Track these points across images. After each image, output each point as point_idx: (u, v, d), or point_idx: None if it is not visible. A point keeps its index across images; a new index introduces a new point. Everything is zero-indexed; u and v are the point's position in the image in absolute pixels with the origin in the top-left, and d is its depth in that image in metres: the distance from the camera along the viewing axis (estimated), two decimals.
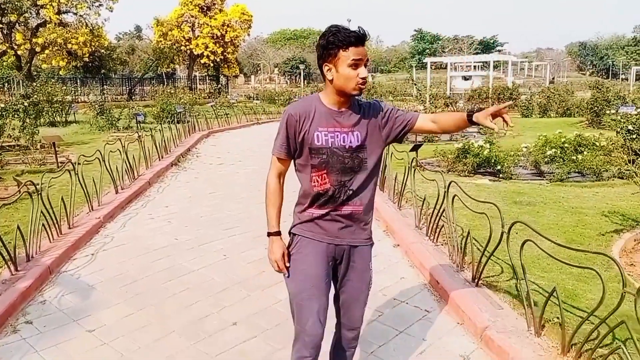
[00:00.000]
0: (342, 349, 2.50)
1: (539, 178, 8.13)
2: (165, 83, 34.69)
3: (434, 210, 4.72)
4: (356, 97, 2.24)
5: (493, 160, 8.14)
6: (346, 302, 2.40)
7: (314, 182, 2.24)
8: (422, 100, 29.24)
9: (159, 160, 9.99)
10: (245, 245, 5.05)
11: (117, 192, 7.10)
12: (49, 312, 3.69)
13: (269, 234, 2.33)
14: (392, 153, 6.57)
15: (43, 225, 4.85)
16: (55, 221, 5.12)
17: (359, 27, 2.13)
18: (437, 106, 18.62)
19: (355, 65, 2.11)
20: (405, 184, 5.72)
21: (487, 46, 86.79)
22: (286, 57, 73.84)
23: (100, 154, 6.79)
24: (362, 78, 2.13)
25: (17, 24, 27.84)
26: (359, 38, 2.10)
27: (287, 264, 2.30)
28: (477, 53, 70.80)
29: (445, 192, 4.38)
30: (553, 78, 50.79)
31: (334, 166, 2.22)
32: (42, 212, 4.81)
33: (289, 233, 2.37)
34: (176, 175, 9.12)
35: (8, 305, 3.57)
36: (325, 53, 2.14)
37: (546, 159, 8.57)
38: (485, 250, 3.74)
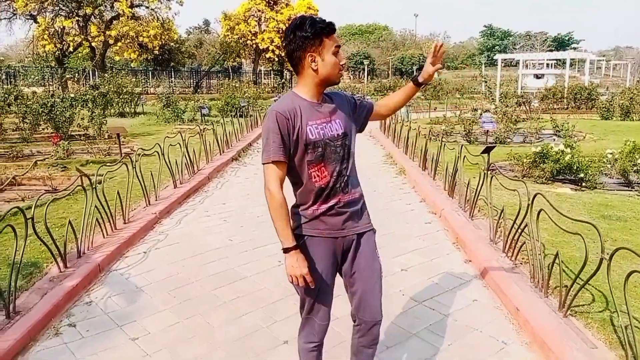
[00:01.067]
0: (365, 347, 2.47)
1: (627, 189, 7.30)
2: (231, 77, 35.13)
3: (513, 224, 4.19)
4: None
5: (575, 167, 7.39)
6: (362, 295, 2.37)
7: (314, 177, 2.23)
8: (492, 99, 28.06)
9: (220, 154, 9.89)
10: None
11: (175, 186, 6.98)
12: (94, 315, 3.50)
13: (287, 250, 2.20)
14: (464, 156, 6.02)
15: (97, 220, 4.73)
16: (110, 216, 5.00)
17: (324, 19, 2.19)
18: (508, 105, 17.62)
19: (337, 52, 2.19)
20: (479, 191, 5.18)
21: (561, 43, 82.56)
22: (350, 53, 73.34)
23: (160, 147, 6.67)
24: (342, 64, 2.22)
25: (92, 16, 29.01)
26: (332, 27, 2.18)
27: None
28: (550, 50, 67.44)
29: (529, 204, 3.85)
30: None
31: (330, 157, 2.23)
32: (96, 206, 4.69)
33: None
34: (236, 171, 8.95)
35: (52, 306, 3.41)
36: (309, 42, 2.15)
37: (636, 168, 7.71)
38: (578, 277, 3.21)
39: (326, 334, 2.44)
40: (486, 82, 22.38)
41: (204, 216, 5.97)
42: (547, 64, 57.10)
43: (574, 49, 75.70)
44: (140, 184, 5.88)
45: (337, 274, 2.41)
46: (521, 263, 4.17)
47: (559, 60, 64.04)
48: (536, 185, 7.03)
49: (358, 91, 32.12)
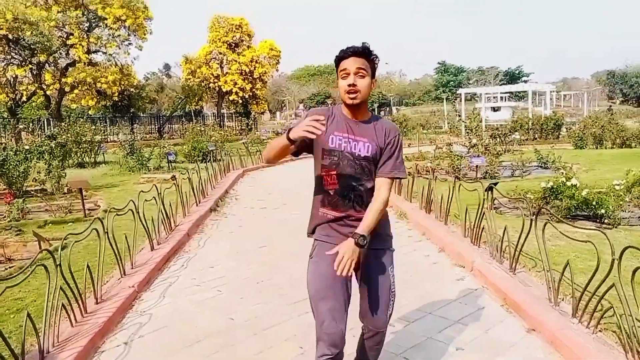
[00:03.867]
0: (370, 348, 2.68)
1: None
2: (194, 121, 34.17)
3: (587, 285, 3.44)
4: (376, 115, 2.57)
5: (594, 203, 6.81)
6: (367, 305, 2.57)
7: (325, 181, 2.51)
8: (456, 134, 28.07)
9: (196, 205, 8.92)
10: None
11: (152, 248, 5.98)
12: None
13: (287, 136, 2.33)
14: (483, 199, 5.31)
15: (63, 304, 3.73)
16: (78, 296, 3.99)
17: (348, 46, 2.44)
18: (482, 138, 17.29)
19: (344, 76, 2.41)
20: (523, 240, 4.42)
21: (512, 77, 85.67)
22: (311, 93, 73.81)
23: (134, 204, 5.69)
24: (348, 85, 2.38)
25: (46, 64, 27.77)
26: (344, 53, 2.41)
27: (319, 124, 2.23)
28: (502, 84, 69.65)
29: (614, 260, 3.11)
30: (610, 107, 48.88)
31: (344, 169, 2.46)
32: (61, 287, 3.69)
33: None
34: (217, 224, 8.00)
35: None
36: (336, 71, 2.46)
37: None
38: None
39: (340, 347, 2.42)
40: (460, 116, 22.19)
41: (192, 285, 5.00)
42: (501, 97, 58.76)
43: (525, 81, 78.60)
44: (114, 250, 4.88)
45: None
46: (602, 329, 3.40)
47: (512, 93, 66.14)
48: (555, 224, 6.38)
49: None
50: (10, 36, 25.24)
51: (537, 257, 4.81)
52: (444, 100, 53.75)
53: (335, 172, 2.48)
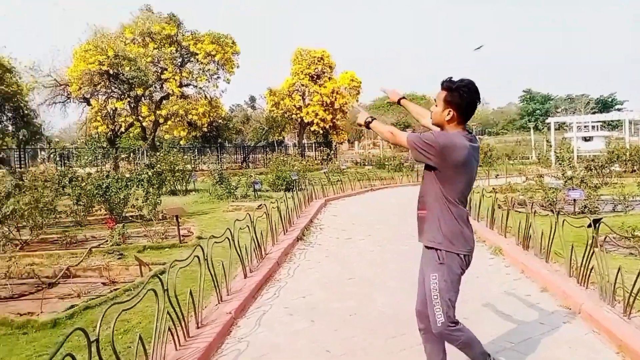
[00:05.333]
0: (434, 340, 3.14)
1: None
2: (276, 150, 35.19)
3: None
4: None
5: None
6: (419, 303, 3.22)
7: None
8: (547, 165, 26.72)
9: (284, 234, 9.06)
10: None
11: (245, 275, 6.12)
12: None
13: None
14: (594, 237, 4.96)
15: (169, 328, 3.87)
16: (182, 320, 4.13)
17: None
18: (576, 169, 16.34)
19: (436, 104, 3.03)
20: (638, 284, 4.06)
21: (604, 105, 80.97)
22: (390, 122, 73.68)
23: (231, 233, 5.87)
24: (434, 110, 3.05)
25: (143, 97, 29.85)
26: (443, 83, 3.00)
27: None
28: (594, 112, 65.98)
29: None
30: None
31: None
32: (168, 312, 3.84)
33: None
34: (304, 253, 8.06)
35: None
36: None
37: None
38: None
39: (422, 321, 3.15)
40: (551, 146, 21.19)
41: (285, 315, 5.03)
42: (593, 126, 55.52)
43: (619, 109, 74.04)
44: (212, 277, 5.04)
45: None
46: None
47: (605, 122, 62.31)
48: None
49: (405, 160, 31.45)
50: (111, 71, 27.47)
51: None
52: (531, 130, 51.71)
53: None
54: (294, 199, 11.27)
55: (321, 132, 38.36)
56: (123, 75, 27.55)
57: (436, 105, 2.97)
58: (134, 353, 3.44)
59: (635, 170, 22.04)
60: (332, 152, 34.48)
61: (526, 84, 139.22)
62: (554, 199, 11.02)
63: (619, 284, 4.42)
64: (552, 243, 6.21)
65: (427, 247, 3.03)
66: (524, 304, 5.07)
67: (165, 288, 3.87)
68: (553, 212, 10.63)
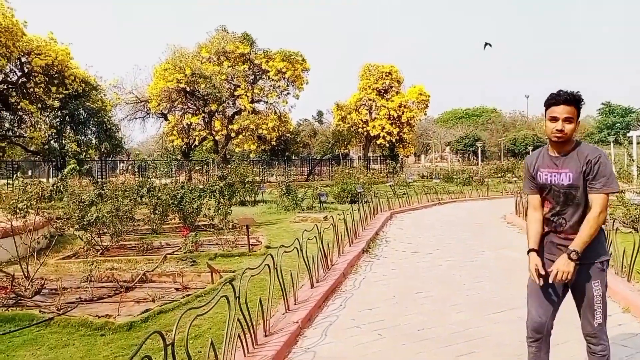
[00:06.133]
0: (587, 352, 3.12)
1: None
2: (341, 163, 35.37)
3: None
4: (579, 141, 3.03)
5: None
6: (579, 313, 3.11)
7: (545, 206, 3.16)
8: (628, 180, 25.06)
9: (349, 245, 9.07)
10: None
11: (312, 285, 6.19)
12: None
13: (529, 251, 3.12)
14: None
15: (238, 334, 3.97)
16: (252, 327, 4.24)
17: (560, 91, 2.96)
18: None
19: (552, 120, 2.95)
20: None
21: None
22: (458, 136, 72.06)
23: (299, 243, 5.97)
24: (557, 130, 2.92)
25: (216, 112, 31.05)
26: (556, 99, 2.93)
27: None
28: None
29: None
30: None
31: (552, 197, 3.09)
32: (238, 319, 3.95)
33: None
34: (370, 265, 8.03)
35: None
36: (545, 112, 3.04)
37: None
38: None
39: (541, 334, 3.14)
40: (633, 160, 19.93)
41: (351, 326, 5.03)
42: None
43: None
44: (281, 286, 5.13)
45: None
46: None
47: None
48: None
49: (475, 174, 30.59)
50: (188, 89, 28.81)
51: None
52: (611, 144, 48.87)
53: (547, 200, 3.12)
54: (359, 211, 11.27)
55: (387, 145, 38.20)
56: (199, 92, 28.84)
57: (570, 122, 2.91)
58: (205, 357, 3.57)
59: None
60: (398, 165, 34.18)
61: (604, 97, 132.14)
62: (637, 216, 10.34)
63: None
64: (634, 262, 5.84)
65: (582, 262, 2.98)
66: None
67: (237, 295, 3.99)
68: (636, 230, 9.99)
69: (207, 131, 31.02)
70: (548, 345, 3.21)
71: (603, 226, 3.05)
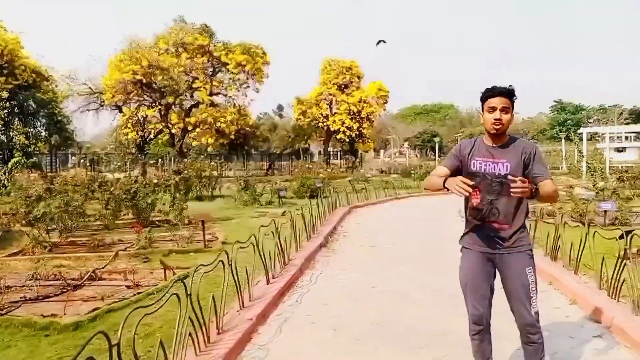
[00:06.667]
0: (523, 343, 3.19)
1: None
2: (302, 158, 35.36)
3: None
4: (513, 136, 3.16)
5: None
6: (511, 303, 3.16)
7: (471, 197, 3.04)
8: (577, 176, 26.05)
9: (307, 240, 9.04)
10: None
11: (268, 281, 6.11)
12: None
13: (443, 183, 3.04)
14: (629, 250, 4.78)
15: (190, 333, 3.87)
16: (203, 325, 4.14)
17: (494, 85, 3.06)
18: (608, 181, 15.90)
19: (490, 110, 3.04)
20: None
21: (638, 116, 78.74)
22: (417, 132, 73.22)
23: (255, 239, 5.88)
24: (495, 119, 3.01)
25: (173, 105, 30.40)
26: (492, 92, 3.03)
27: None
28: (627, 123, 64.30)
29: None
30: None
31: (485, 187, 3.08)
32: (190, 317, 3.84)
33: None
34: (327, 260, 8.02)
35: None
36: (481, 103, 3.11)
37: None
38: None
39: (482, 325, 3.21)
40: (583, 156, 20.71)
41: (307, 322, 4.99)
42: (627, 137, 54.04)
43: None
44: (235, 282, 5.04)
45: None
46: None
47: (639, 133, 60.56)
48: None
49: (432, 169, 31.14)
50: (144, 81, 28.06)
51: None
52: (562, 140, 50.67)
53: (477, 190, 3.05)
54: (318, 207, 11.26)
55: (347, 140, 38.40)
56: (155, 84, 28.15)
57: (506, 113, 3.01)
58: (154, 357, 3.46)
59: None
60: (358, 160, 34.41)
61: (557, 94, 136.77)
62: (584, 210, 10.74)
63: None
64: (581, 255, 6.03)
65: (513, 251, 3.08)
66: (553, 317, 4.91)
67: (189, 293, 3.88)
68: (583, 224, 10.36)
69: (164, 124, 30.34)
70: (490, 336, 3.28)
71: (527, 220, 3.19)
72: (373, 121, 40.18)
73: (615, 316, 4.49)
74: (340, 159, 41.59)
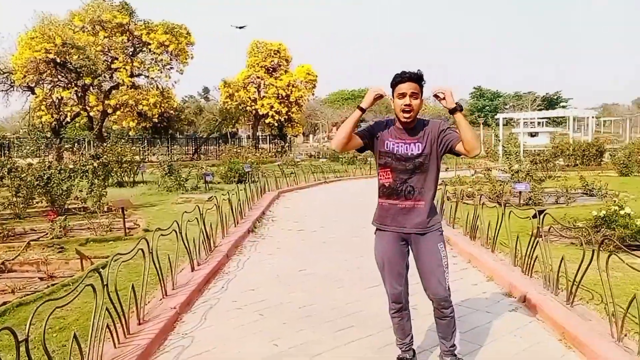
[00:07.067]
0: (436, 317, 3.30)
1: None
2: (230, 142, 34.73)
3: None
4: (422, 119, 3.22)
5: None
6: (424, 279, 3.24)
7: (381, 176, 3.23)
8: (494, 159, 27.51)
9: (235, 226, 8.90)
10: None
11: (193, 269, 5.95)
12: None
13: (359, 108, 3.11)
14: (549, 229, 5.07)
15: (107, 325, 3.68)
16: (122, 316, 3.95)
17: (403, 71, 3.07)
18: (523, 163, 16.87)
19: (400, 96, 3.07)
20: (583, 272, 4.15)
21: (550, 102, 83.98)
22: (345, 117, 74.09)
23: (178, 225, 5.68)
24: (405, 105, 3.05)
25: (91, 86, 28.74)
26: (401, 78, 3.05)
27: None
28: (540, 109, 68.38)
29: None
30: None
31: (396, 167, 3.16)
32: (107, 308, 3.65)
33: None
34: (255, 245, 7.94)
35: None
36: (391, 89, 3.12)
37: None
38: None
39: (401, 303, 3.30)
40: (500, 140, 21.80)
41: (233, 308, 4.91)
42: (539, 123, 57.51)
43: (564, 107, 76.92)
44: (157, 271, 4.85)
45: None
46: None
47: (550, 118, 64.63)
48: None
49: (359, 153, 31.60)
50: (58, 60, 26.28)
51: (594, 289, 4.56)
52: (481, 125, 53.09)
53: (389, 169, 3.17)
54: (246, 191, 11.10)
55: (276, 124, 38.13)
56: (71, 64, 26.41)
57: (416, 98, 3.06)
58: (68, 352, 3.25)
59: (577, 165, 22.98)
60: (287, 144, 34.30)
61: (476, 82, 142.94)
62: (501, 192, 11.32)
63: (562, 273, 4.53)
64: (498, 234, 6.35)
65: (427, 230, 3.18)
66: (471, 294, 5.14)
67: (105, 283, 3.68)
68: (499, 204, 10.92)
69: (81, 106, 28.62)
70: (409, 313, 3.38)
71: (436, 202, 3.39)
72: (302, 105, 40.12)
73: (528, 291, 4.76)
74: (270, 143, 41.26)
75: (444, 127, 3.17)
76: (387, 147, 3.16)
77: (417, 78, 3.05)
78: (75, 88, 28.15)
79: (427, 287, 3.21)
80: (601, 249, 4.05)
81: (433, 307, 3.26)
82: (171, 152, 30.04)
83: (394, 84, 3.09)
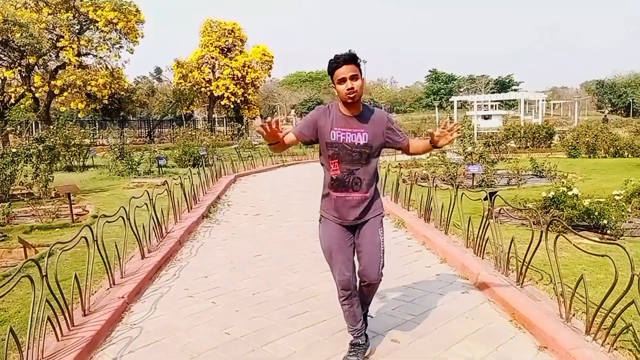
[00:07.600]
0: (363, 293, 3.42)
1: None
2: (185, 125, 33.91)
3: (604, 300, 3.28)
4: (367, 106, 3.23)
5: (597, 213, 6.66)
6: (362, 262, 3.27)
7: (329, 167, 3.18)
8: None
9: (188, 211, 8.69)
10: (326, 349, 3.61)
11: (143, 256, 5.76)
12: None
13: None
14: (505, 212, 5.13)
15: (48, 317, 3.49)
16: (65, 308, 3.76)
17: (336, 54, 3.05)
18: (476, 146, 17.21)
19: (341, 82, 3.02)
20: (532, 252, 4.22)
21: (503, 85, 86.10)
22: (302, 99, 73.71)
23: (125, 211, 5.46)
24: (348, 89, 3.01)
25: (36, 66, 27.37)
26: (337, 62, 3.02)
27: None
28: (493, 92, 70.01)
29: (634, 275, 2.96)
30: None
31: (344, 158, 3.11)
32: (47, 299, 3.46)
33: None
34: (209, 231, 7.78)
35: None
36: (330, 75, 3.10)
37: None
38: None
39: (350, 289, 3.25)
40: (458, 123, 22.13)
41: (184, 296, 4.78)
42: (492, 105, 58.95)
43: (516, 90, 78.99)
44: (103, 259, 4.65)
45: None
46: (617, 349, 3.23)
47: (503, 101, 66.33)
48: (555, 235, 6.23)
49: None
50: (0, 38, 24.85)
51: (543, 269, 4.67)
52: (436, 108, 53.87)
53: (336, 160, 3.12)
54: (200, 175, 10.86)
55: (232, 106, 37.49)
56: (13, 42, 24.99)
57: (356, 79, 3.03)
58: (4, 347, 3.07)
59: (528, 147, 23.65)
60: (244, 127, 33.78)
61: (432, 65, 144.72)
62: (455, 174, 11.50)
63: (512, 253, 4.62)
64: (451, 215, 6.42)
65: (370, 217, 3.26)
66: (425, 276, 5.19)
67: (45, 273, 3.48)
68: (453, 186, 11.11)
69: (25, 87, 27.23)
70: (358, 299, 3.36)
71: (379, 186, 3.41)
72: (258, 87, 39.60)
73: (480, 273, 4.83)
74: (226, 125, 40.55)
75: (391, 125, 3.23)
76: (333, 137, 3.10)
77: (352, 58, 3.02)
78: (19, 68, 26.72)
79: (363, 270, 3.26)
80: (550, 229, 4.14)
81: (362, 285, 3.34)
82: (123, 135, 29.08)
83: (331, 71, 3.05)
